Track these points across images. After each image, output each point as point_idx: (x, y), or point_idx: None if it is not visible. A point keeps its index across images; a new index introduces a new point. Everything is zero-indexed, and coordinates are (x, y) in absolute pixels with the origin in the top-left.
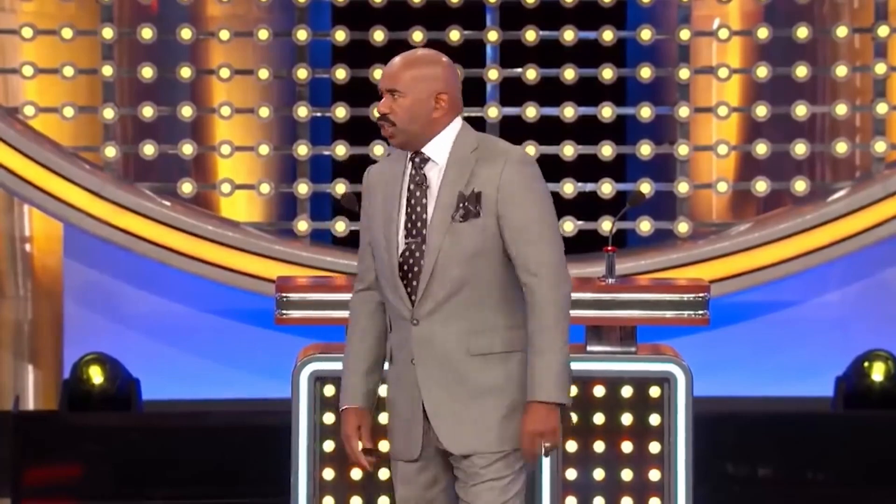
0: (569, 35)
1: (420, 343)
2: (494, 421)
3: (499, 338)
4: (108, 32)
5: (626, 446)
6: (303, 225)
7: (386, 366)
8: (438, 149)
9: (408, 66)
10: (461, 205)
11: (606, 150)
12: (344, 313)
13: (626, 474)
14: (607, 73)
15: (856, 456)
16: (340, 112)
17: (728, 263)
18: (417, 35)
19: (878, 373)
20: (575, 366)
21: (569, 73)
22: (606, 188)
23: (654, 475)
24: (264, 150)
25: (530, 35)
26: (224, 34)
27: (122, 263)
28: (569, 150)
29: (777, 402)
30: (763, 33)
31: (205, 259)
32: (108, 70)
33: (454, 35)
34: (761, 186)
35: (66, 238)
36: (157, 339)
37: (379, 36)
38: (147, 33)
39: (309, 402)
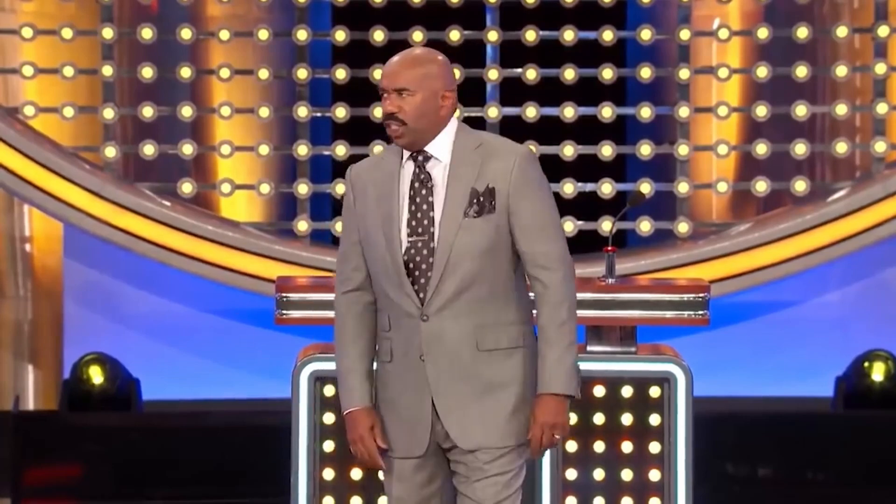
0: (569, 35)
1: (430, 339)
2: (501, 416)
3: (505, 333)
4: (108, 32)
5: (626, 446)
6: (303, 225)
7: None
8: (441, 147)
9: (414, 64)
10: (475, 200)
11: (606, 150)
12: None
13: (626, 474)
14: (607, 73)
15: (856, 456)
16: (340, 112)
17: (728, 263)
18: (417, 35)
19: (878, 373)
20: None
21: (569, 73)
22: (606, 188)
23: (654, 475)
24: (264, 150)
25: (530, 35)
26: (224, 34)
27: (122, 263)
28: (569, 150)
29: (777, 402)
30: (763, 33)
31: (205, 259)
32: (108, 70)
33: (454, 35)
34: (761, 186)
35: (66, 238)
36: (157, 339)
37: (379, 36)
38: (147, 33)
39: (309, 402)
